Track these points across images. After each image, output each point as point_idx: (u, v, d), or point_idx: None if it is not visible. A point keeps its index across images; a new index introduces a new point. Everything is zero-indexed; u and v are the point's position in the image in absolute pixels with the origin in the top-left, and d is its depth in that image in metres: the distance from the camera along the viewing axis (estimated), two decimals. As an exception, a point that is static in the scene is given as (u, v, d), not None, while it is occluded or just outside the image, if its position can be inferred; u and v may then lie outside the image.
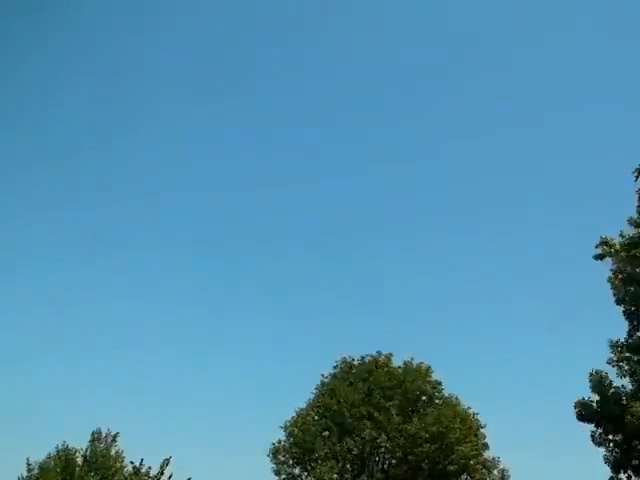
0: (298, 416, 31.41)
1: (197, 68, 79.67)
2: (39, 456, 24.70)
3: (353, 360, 32.96)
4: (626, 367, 20.01)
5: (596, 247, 18.21)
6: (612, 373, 20.65)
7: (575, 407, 20.89)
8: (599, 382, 20.89)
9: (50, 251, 67.03)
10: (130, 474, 24.14)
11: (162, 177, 78.49)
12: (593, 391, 20.95)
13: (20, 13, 44.99)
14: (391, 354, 32.59)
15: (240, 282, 70.59)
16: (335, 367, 32.75)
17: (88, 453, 24.49)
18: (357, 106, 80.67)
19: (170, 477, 24.23)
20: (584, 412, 20.63)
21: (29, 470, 24.15)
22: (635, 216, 18.28)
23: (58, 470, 23.69)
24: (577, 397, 21.20)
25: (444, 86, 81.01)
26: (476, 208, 74.82)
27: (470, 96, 79.45)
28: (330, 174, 78.64)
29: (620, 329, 21.06)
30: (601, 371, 21.01)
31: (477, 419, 31.00)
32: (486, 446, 30.63)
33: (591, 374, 21.15)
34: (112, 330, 61.18)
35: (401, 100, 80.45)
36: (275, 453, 30.79)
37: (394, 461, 30.25)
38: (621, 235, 18.64)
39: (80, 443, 24.88)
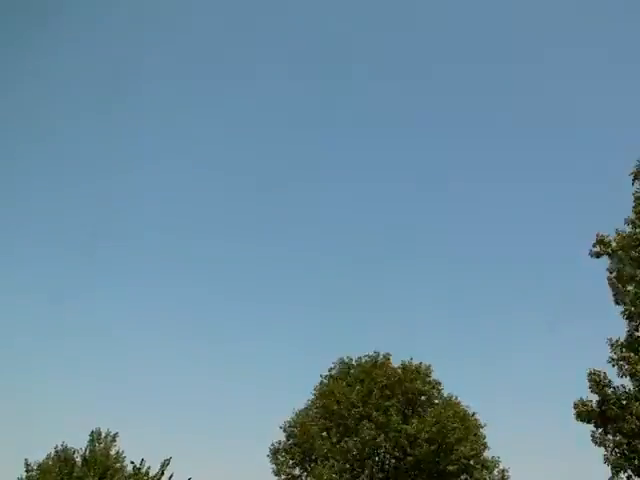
0: (297, 417, 31.39)
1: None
2: (38, 456, 24.70)
3: (351, 360, 32.89)
4: (626, 367, 19.89)
5: (593, 246, 18.12)
6: (612, 372, 20.56)
7: (574, 407, 20.80)
8: (598, 382, 20.78)
9: (49, 249, 66.89)
10: (130, 474, 24.14)
11: (162, 171, 78.31)
12: (592, 391, 20.86)
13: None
14: (390, 354, 32.59)
15: (239, 282, 70.63)
16: (332, 369, 32.69)
17: (87, 453, 24.45)
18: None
19: (170, 477, 24.28)
20: (583, 412, 20.53)
21: (27, 470, 24.09)
22: (632, 216, 18.22)
23: (57, 470, 23.62)
24: (576, 397, 21.10)
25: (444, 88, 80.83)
26: (475, 209, 75.16)
27: (469, 94, 79.60)
28: (332, 175, 78.47)
29: (619, 329, 21.04)
30: (600, 371, 20.90)
31: (476, 419, 31.01)
32: (486, 446, 30.63)
33: (590, 373, 21.04)
34: (111, 329, 61.16)
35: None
36: (275, 453, 30.80)
37: (394, 461, 30.20)
38: (617, 233, 18.54)
39: (79, 443, 24.93)
